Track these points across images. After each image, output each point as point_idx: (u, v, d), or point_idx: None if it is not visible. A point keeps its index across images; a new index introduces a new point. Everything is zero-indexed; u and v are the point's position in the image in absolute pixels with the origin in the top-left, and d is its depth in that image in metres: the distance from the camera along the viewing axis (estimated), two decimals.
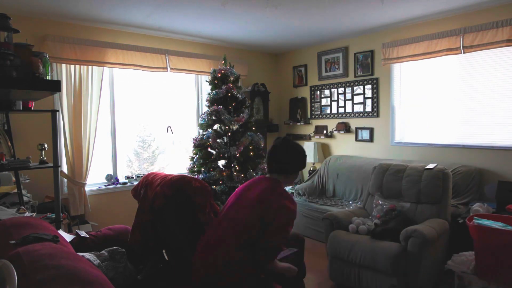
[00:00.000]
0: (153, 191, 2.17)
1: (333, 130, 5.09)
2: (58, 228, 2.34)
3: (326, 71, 5.20)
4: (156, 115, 4.78)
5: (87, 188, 4.03)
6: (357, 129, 4.85)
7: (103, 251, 2.00)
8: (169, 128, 4.83)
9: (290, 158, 2.02)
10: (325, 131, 5.22)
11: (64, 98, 3.82)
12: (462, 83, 3.87)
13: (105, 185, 4.27)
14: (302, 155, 2.07)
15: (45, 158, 2.52)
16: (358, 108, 4.82)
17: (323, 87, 5.26)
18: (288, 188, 5.06)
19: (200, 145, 3.95)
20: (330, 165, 4.79)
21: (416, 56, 4.07)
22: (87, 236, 2.25)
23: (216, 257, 1.79)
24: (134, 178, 4.47)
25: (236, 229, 1.82)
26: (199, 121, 4.15)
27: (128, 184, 4.36)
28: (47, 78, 2.14)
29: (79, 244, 2.12)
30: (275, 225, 1.77)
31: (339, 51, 4.98)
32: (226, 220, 1.91)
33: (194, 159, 3.99)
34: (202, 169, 3.88)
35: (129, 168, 4.70)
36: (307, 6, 3.59)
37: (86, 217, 4.01)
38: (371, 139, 4.70)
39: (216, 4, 3.48)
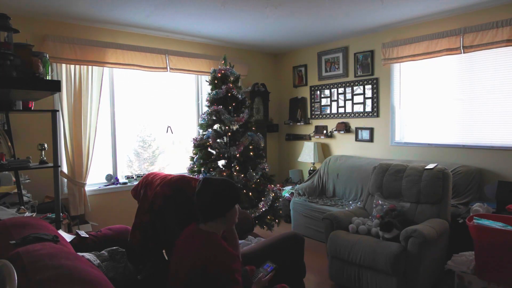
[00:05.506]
0: (153, 191, 2.17)
1: (333, 130, 5.09)
2: (58, 228, 2.34)
3: (326, 71, 5.20)
4: (156, 115, 4.78)
5: (87, 188, 4.03)
6: (357, 129, 4.85)
7: (103, 251, 2.00)
8: (169, 128, 4.83)
9: (219, 200, 1.76)
10: (325, 131, 5.23)
11: (64, 98, 3.82)
12: (462, 83, 3.87)
13: (105, 185, 4.28)
14: (231, 190, 1.79)
15: (45, 158, 2.53)
16: (358, 108, 4.82)
17: (323, 87, 5.26)
18: (288, 188, 5.07)
19: (200, 145, 3.95)
20: (330, 165, 4.79)
21: (416, 56, 4.07)
22: (87, 236, 2.25)
23: None
24: (134, 178, 4.47)
25: None
26: (199, 121, 4.14)
27: (128, 184, 4.36)
28: (47, 78, 2.14)
29: (79, 244, 2.12)
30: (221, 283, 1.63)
31: (339, 51, 4.98)
32: (170, 282, 1.79)
33: (194, 159, 3.99)
34: (202, 169, 3.88)
35: (129, 168, 4.70)
36: (307, 6, 3.59)
37: (86, 217, 4.01)
38: (371, 139, 4.70)
39: (216, 4, 3.48)
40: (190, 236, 1.81)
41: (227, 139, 3.98)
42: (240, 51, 5.42)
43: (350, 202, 4.27)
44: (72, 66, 3.86)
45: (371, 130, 4.69)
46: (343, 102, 5.01)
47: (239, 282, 1.69)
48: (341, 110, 5.03)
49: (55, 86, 2.10)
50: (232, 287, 1.64)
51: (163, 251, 2.40)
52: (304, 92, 5.57)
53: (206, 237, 1.75)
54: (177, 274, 1.75)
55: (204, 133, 3.98)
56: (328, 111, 5.21)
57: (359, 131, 4.81)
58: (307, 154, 5.22)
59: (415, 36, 4.08)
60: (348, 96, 4.93)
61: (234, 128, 3.90)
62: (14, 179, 2.82)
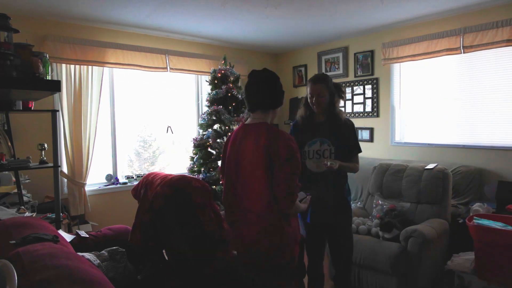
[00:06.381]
0: (153, 191, 2.17)
1: None
2: (58, 228, 2.34)
3: (326, 71, 5.20)
4: (156, 115, 4.78)
5: (87, 188, 4.03)
6: (357, 129, 4.84)
7: (103, 251, 2.01)
8: (169, 128, 4.83)
9: (277, 89, 1.84)
10: None
11: (64, 98, 3.82)
12: (462, 83, 3.87)
13: (105, 185, 4.27)
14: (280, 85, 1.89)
15: (45, 158, 2.52)
16: (358, 108, 4.82)
17: None
18: None
19: (200, 145, 3.95)
20: None
21: (416, 56, 4.07)
22: (87, 236, 2.25)
23: (251, 229, 1.79)
24: (134, 178, 4.47)
25: (255, 190, 1.76)
26: (199, 121, 4.15)
27: (128, 184, 4.36)
28: (47, 78, 2.15)
29: (79, 244, 2.12)
30: (286, 171, 1.70)
31: (339, 51, 4.98)
32: (241, 186, 1.82)
33: (194, 159, 3.99)
34: (202, 169, 3.89)
35: (130, 168, 4.70)
36: (307, 6, 3.59)
37: (86, 217, 4.01)
38: (371, 139, 4.70)
39: (216, 4, 3.48)
40: (243, 129, 1.86)
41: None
42: (240, 51, 5.42)
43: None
44: (72, 66, 3.86)
45: (371, 130, 4.69)
46: (343, 102, 5.01)
47: (299, 159, 1.76)
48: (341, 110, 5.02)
49: (55, 86, 2.10)
50: (296, 162, 1.73)
51: (163, 251, 2.40)
52: (304, 92, 5.54)
53: (264, 124, 1.81)
54: (250, 177, 1.77)
55: (204, 133, 3.99)
56: None
57: (359, 131, 4.81)
58: None
59: (415, 36, 4.08)
60: (348, 96, 4.92)
61: (234, 128, 3.91)
62: (14, 179, 2.82)
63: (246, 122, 1.90)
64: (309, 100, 2.40)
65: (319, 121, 2.39)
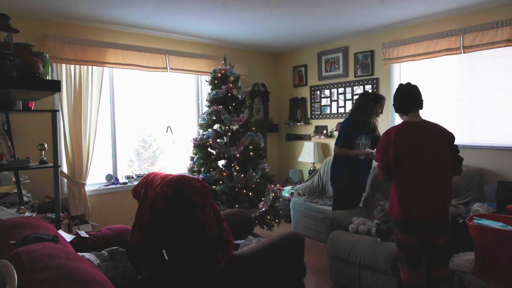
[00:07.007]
0: (153, 191, 2.17)
1: (333, 130, 5.09)
2: (58, 228, 2.34)
3: (326, 71, 5.20)
4: (156, 115, 4.78)
5: (87, 188, 4.03)
6: None
7: (103, 251, 2.01)
8: (169, 128, 4.83)
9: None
10: (325, 131, 5.22)
11: (64, 98, 3.82)
12: (462, 83, 3.87)
13: (105, 185, 4.27)
14: None
15: (45, 158, 2.52)
16: None
17: (323, 87, 5.26)
18: (288, 188, 5.07)
19: (200, 145, 3.95)
20: (330, 165, 4.77)
21: (416, 56, 4.07)
22: (87, 236, 2.25)
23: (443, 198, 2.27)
24: (134, 178, 4.47)
25: (446, 168, 2.27)
26: (199, 121, 4.15)
27: (128, 184, 4.36)
28: (47, 78, 2.15)
29: (79, 244, 2.12)
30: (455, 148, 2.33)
31: (339, 51, 4.98)
32: (434, 169, 2.24)
33: (194, 159, 3.99)
34: (202, 169, 3.88)
35: (130, 168, 4.70)
36: (307, 6, 3.59)
37: (86, 217, 4.01)
38: None
39: (216, 4, 3.48)
40: (421, 124, 2.38)
41: (227, 139, 3.98)
42: (240, 51, 5.42)
43: None
44: (72, 66, 3.86)
45: None
46: (343, 102, 5.01)
47: None
48: (341, 110, 5.03)
49: (55, 86, 2.10)
50: None
51: (163, 251, 2.41)
52: (304, 92, 5.56)
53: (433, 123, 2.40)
54: (440, 159, 2.26)
55: (204, 133, 3.98)
56: (328, 111, 5.21)
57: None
58: (307, 154, 5.22)
59: (415, 36, 4.08)
60: (348, 96, 4.93)
61: (234, 128, 3.90)
62: (14, 179, 2.82)
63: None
64: (380, 111, 3.45)
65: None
